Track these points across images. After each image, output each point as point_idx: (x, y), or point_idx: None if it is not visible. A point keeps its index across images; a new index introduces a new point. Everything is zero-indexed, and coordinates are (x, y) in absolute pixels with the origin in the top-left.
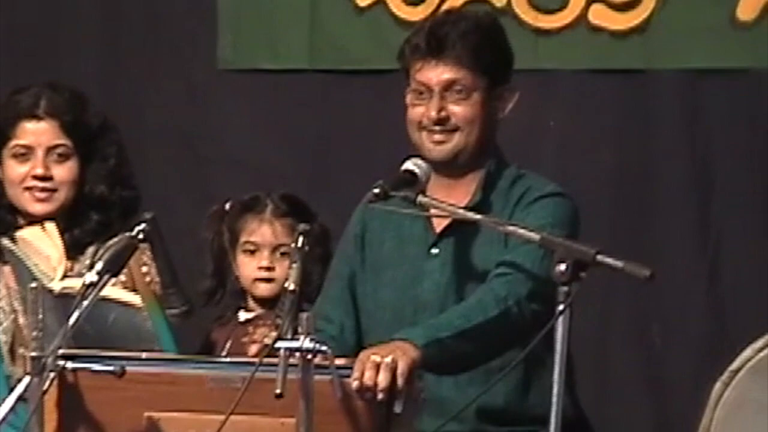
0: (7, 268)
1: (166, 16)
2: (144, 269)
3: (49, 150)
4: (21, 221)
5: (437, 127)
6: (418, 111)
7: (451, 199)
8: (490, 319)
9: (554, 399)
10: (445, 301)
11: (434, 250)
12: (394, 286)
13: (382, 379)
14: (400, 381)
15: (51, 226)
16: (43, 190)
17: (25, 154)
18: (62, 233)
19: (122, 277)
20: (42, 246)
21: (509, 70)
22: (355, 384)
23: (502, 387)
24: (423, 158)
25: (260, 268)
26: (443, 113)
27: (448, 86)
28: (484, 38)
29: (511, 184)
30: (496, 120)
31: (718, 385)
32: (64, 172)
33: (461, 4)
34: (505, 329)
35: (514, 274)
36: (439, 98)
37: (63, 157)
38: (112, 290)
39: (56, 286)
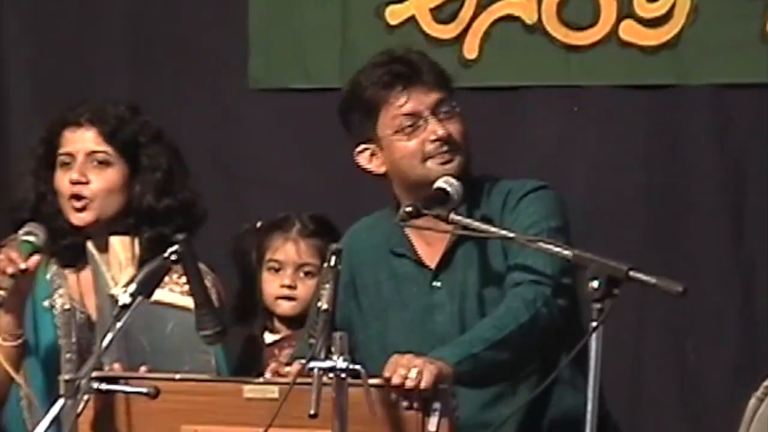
0: (72, 276)
1: (197, 36)
2: None
3: (88, 156)
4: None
5: (445, 147)
6: (415, 143)
7: (435, 233)
8: (522, 324)
9: (588, 416)
10: (463, 328)
11: (436, 283)
12: (403, 328)
13: (410, 380)
14: (423, 385)
15: (128, 239)
16: (79, 198)
17: (68, 163)
18: None
19: None
20: (119, 254)
21: None
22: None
23: (521, 400)
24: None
25: (282, 286)
26: (441, 131)
27: (436, 107)
28: (433, 61)
29: (488, 193)
30: None
31: (752, 401)
32: (102, 179)
33: (491, 22)
34: (538, 331)
35: (533, 276)
36: (435, 120)
37: (103, 165)
38: (173, 296)
39: (117, 291)
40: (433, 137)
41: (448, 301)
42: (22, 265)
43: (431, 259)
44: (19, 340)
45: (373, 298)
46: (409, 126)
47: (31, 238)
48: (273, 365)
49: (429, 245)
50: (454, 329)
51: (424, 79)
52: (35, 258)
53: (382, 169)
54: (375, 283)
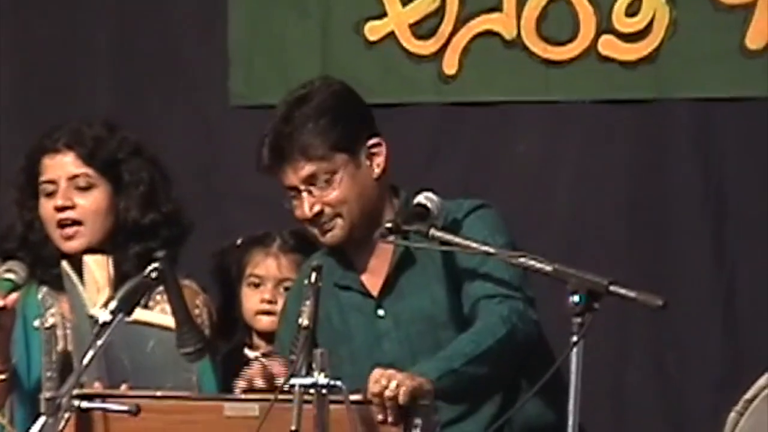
0: (64, 303)
1: (178, 53)
2: (196, 311)
3: (70, 181)
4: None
5: (322, 219)
6: (300, 211)
7: (377, 261)
8: (500, 339)
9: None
10: (413, 354)
11: (380, 312)
12: (352, 360)
13: (389, 391)
14: (402, 399)
15: (104, 258)
16: (68, 224)
17: (51, 190)
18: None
19: None
20: (94, 273)
21: (368, 126)
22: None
23: (484, 416)
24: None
25: (263, 301)
26: (316, 208)
27: (308, 182)
28: (327, 118)
29: None
30: (375, 179)
31: (732, 415)
32: (87, 202)
33: (471, 38)
34: (516, 346)
35: (504, 292)
36: (308, 195)
37: (86, 187)
38: (153, 315)
39: (96, 312)
40: (302, 217)
41: (394, 328)
42: (0, 303)
43: (375, 288)
44: (2, 376)
45: (326, 332)
46: (293, 197)
47: (10, 276)
48: (242, 383)
49: (372, 274)
50: (404, 356)
51: (295, 156)
52: (13, 296)
53: None
54: (326, 317)
